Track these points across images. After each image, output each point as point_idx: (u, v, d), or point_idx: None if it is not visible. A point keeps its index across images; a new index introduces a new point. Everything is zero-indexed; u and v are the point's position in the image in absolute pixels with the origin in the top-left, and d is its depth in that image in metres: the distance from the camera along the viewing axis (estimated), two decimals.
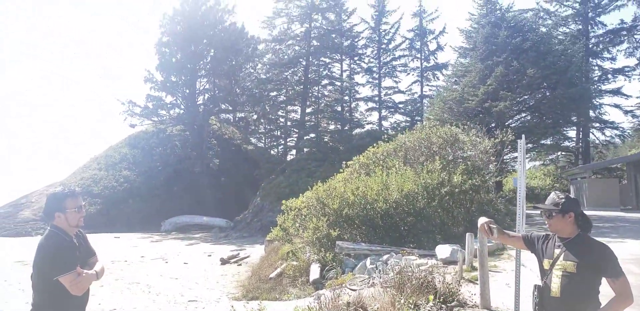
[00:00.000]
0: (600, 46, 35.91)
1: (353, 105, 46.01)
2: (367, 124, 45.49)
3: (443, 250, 9.70)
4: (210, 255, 19.70)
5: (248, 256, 18.56)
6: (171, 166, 38.83)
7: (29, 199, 43.55)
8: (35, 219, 36.16)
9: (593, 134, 35.49)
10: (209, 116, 42.19)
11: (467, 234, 8.83)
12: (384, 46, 44.98)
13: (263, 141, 52.57)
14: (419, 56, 44.59)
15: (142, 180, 37.04)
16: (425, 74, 44.65)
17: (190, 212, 34.36)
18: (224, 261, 17.45)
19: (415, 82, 45.32)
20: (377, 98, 45.15)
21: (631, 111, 34.94)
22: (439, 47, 43.98)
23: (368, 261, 10.01)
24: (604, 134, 35.45)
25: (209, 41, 40.07)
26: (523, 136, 6.28)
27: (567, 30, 36.51)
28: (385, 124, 45.12)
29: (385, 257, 10.02)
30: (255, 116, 48.36)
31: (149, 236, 29.06)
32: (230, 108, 46.69)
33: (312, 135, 43.43)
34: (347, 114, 44.98)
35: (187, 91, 40.95)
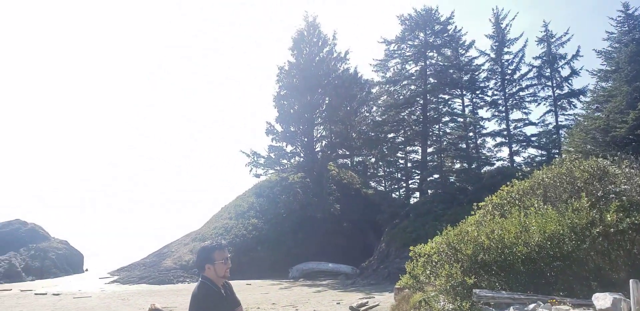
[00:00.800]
0: None
1: (479, 141, 44.45)
2: (497, 160, 43.27)
3: (602, 299, 8.82)
4: (338, 303, 20.08)
5: (377, 305, 18.52)
6: (295, 213, 41.01)
7: (170, 249, 49.10)
8: (176, 267, 40.51)
9: None
10: (327, 162, 44.24)
11: (631, 281, 8.00)
12: (508, 77, 43.45)
13: (383, 185, 52.89)
14: (549, 83, 42.00)
15: (269, 227, 39.62)
16: (559, 103, 41.69)
17: (316, 258, 35.52)
18: (353, 310, 17.67)
19: (548, 112, 42.45)
20: (505, 132, 43.10)
21: None
22: (574, 72, 41.03)
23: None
24: None
25: (324, 90, 43.00)
26: None
27: None
28: (517, 159, 42.48)
29: (531, 307, 9.41)
30: (373, 159, 49.34)
31: (278, 282, 30.52)
32: (348, 153, 48.47)
33: (436, 176, 42.66)
34: (474, 152, 43.47)
35: (306, 140, 43.81)
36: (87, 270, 61.21)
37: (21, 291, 34.20)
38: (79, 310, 21.26)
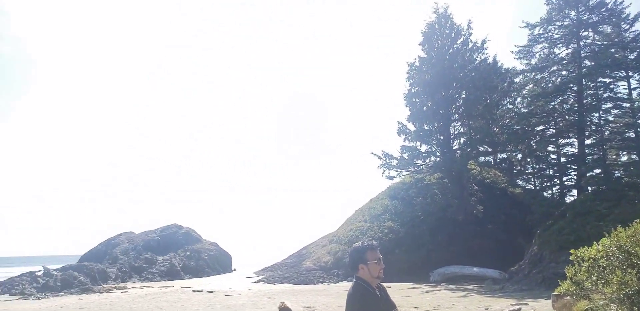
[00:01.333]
0: None
1: None
2: None
3: None
4: (487, 309, 18.99)
5: None
6: (433, 215, 39.88)
7: (308, 250, 51.45)
8: (316, 268, 42.25)
9: None
10: (467, 161, 42.14)
11: None
12: None
13: (532, 182, 48.61)
14: None
15: (406, 230, 39.13)
16: None
17: (458, 262, 34.12)
18: None
19: None
20: None
21: None
22: None
23: None
24: None
25: (460, 84, 41.08)
26: None
27: None
28: None
29: None
30: (519, 155, 45.66)
31: (419, 286, 30.08)
32: (490, 150, 45.58)
33: (597, 170, 37.82)
34: None
35: (442, 138, 42.30)
36: (235, 269, 67.29)
37: (182, 287, 38.96)
38: (230, 307, 23.34)
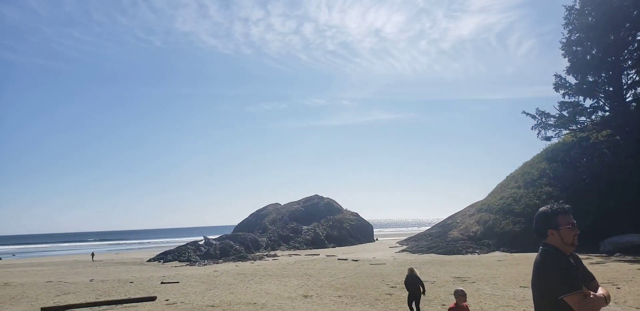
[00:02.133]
0: None
1: None
2: None
3: None
4: None
5: None
6: (602, 177, 34.43)
7: (454, 220, 48.93)
8: (464, 238, 39.88)
9: None
10: None
11: None
12: None
13: None
14: None
15: (567, 196, 34.42)
16: None
17: (633, 230, 29.14)
18: None
19: None
20: None
21: None
22: None
23: None
24: None
25: (633, 24, 34.26)
26: None
27: None
28: None
29: None
30: None
31: (586, 257, 26.39)
32: None
33: None
34: None
35: (611, 89, 36.06)
36: (377, 239, 67.71)
37: (327, 256, 39.90)
38: (376, 275, 22.75)
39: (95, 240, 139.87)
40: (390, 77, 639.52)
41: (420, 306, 12.18)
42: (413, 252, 39.02)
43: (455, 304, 7.06)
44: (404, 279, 12.59)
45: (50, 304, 16.91)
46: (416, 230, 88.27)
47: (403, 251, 41.13)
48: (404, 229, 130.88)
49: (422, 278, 12.16)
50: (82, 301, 17.38)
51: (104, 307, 15.77)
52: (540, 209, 3.40)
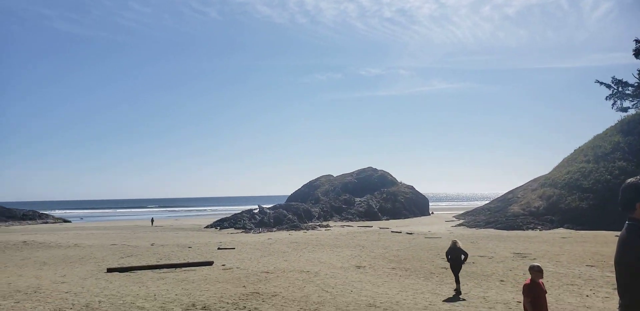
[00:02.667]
0: None
1: None
2: None
3: None
4: None
5: None
6: None
7: (514, 195, 47.27)
8: (524, 214, 38.49)
9: None
10: None
11: None
12: None
13: None
14: None
15: None
16: None
17: None
18: None
19: None
20: None
21: None
22: None
23: None
24: None
25: None
26: None
27: None
28: None
29: None
30: None
31: None
32: None
33: None
34: None
35: None
36: (432, 212, 66.99)
37: (380, 228, 39.94)
38: (432, 249, 22.47)
39: (156, 207, 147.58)
40: (450, 46, 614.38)
41: (459, 278, 12.43)
42: (470, 226, 38.23)
43: (531, 280, 6.63)
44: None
45: (115, 265, 18.00)
46: (473, 204, 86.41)
47: (460, 225, 40.40)
48: (460, 203, 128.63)
49: (479, 253, 11.80)
50: (144, 263, 18.37)
51: (165, 270, 16.57)
52: (629, 180, 3.13)
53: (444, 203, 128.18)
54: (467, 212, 53.40)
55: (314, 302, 10.81)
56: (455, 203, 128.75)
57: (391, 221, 52.34)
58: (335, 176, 76.29)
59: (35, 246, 26.66)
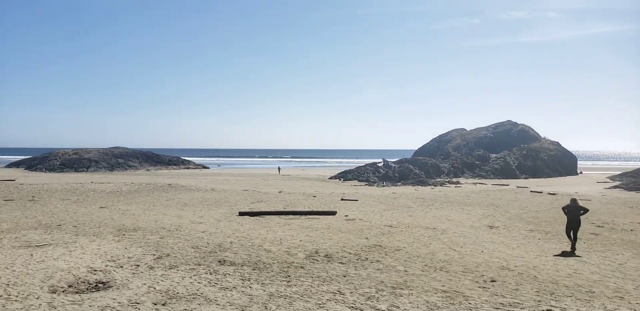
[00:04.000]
0: None
1: None
2: None
3: None
4: None
5: None
6: None
7: None
8: None
9: None
10: None
11: None
12: None
13: None
14: None
15: None
16: None
17: None
18: None
19: None
20: None
21: None
22: None
23: None
24: None
25: None
26: None
27: None
28: None
29: None
30: None
31: None
32: None
33: None
34: None
35: None
36: (581, 172, 60.96)
37: (517, 187, 37.46)
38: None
39: (290, 157, 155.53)
40: None
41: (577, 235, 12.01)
42: (629, 189, 34.05)
43: None
44: (611, 218, 11.06)
45: (246, 209, 19.42)
46: (633, 165, 76.83)
47: (615, 187, 36.23)
48: (616, 163, 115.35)
49: (635, 219, 10.33)
50: (272, 209, 19.55)
51: (290, 216, 17.45)
52: None
53: (595, 162, 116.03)
54: (626, 173, 47.67)
55: (440, 260, 10.51)
56: (610, 163, 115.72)
57: (531, 180, 48.84)
58: (468, 129, 72.77)
59: (178, 189, 29.92)
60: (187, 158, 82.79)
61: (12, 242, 11.94)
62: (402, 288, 8.07)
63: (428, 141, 73.27)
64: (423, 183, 39.54)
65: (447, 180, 43.49)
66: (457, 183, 41.56)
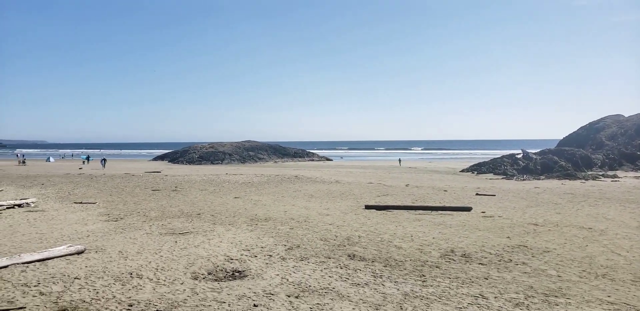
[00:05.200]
0: None
1: None
2: None
3: None
4: None
5: None
6: None
7: None
8: None
9: None
10: None
11: None
12: None
13: None
14: None
15: None
16: None
17: None
18: None
19: None
20: None
21: None
22: None
23: None
24: None
25: None
26: None
27: None
28: None
29: None
30: None
31: None
32: None
33: None
34: None
35: None
36: None
37: None
38: None
39: (422, 149, 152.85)
40: None
41: None
42: None
43: None
44: None
45: (372, 203, 19.34)
46: None
47: None
48: None
49: None
50: (400, 203, 19.21)
51: (420, 211, 16.97)
52: None
53: None
54: None
55: (601, 265, 9.37)
56: None
57: None
58: (626, 116, 64.99)
59: (304, 181, 30.91)
60: (310, 150, 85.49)
61: (160, 229, 13.20)
62: (556, 296, 7.31)
63: (576, 130, 66.92)
64: (571, 177, 36.16)
65: (600, 173, 39.24)
66: (614, 176, 37.27)
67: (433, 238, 12.09)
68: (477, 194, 23.32)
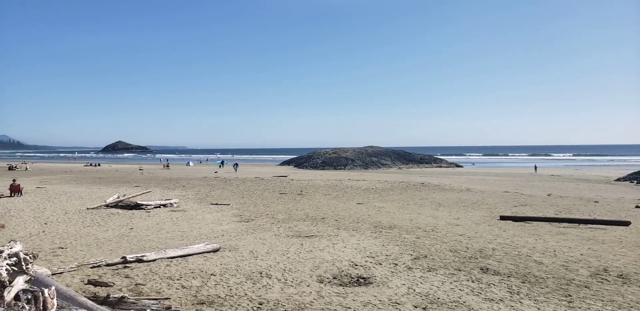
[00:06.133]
0: None
1: None
2: None
3: None
4: None
5: None
6: None
7: None
8: None
9: None
10: None
11: None
12: None
13: None
14: None
15: None
16: None
17: None
18: None
19: None
20: None
21: None
22: None
23: None
24: None
25: None
26: None
27: None
28: None
29: None
30: None
31: None
32: None
33: None
34: None
35: None
36: None
37: None
38: None
39: (570, 154, 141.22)
40: None
41: None
42: None
43: None
44: None
45: (508, 213, 18.24)
46: None
47: None
48: None
49: None
50: (540, 215, 17.87)
51: (565, 224, 15.62)
52: None
53: None
54: None
55: None
56: None
57: None
58: None
59: (431, 188, 30.19)
60: (439, 156, 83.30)
61: (287, 231, 13.78)
62: None
63: None
64: None
65: None
66: None
67: (581, 254, 11.04)
68: (637, 206, 20.87)
